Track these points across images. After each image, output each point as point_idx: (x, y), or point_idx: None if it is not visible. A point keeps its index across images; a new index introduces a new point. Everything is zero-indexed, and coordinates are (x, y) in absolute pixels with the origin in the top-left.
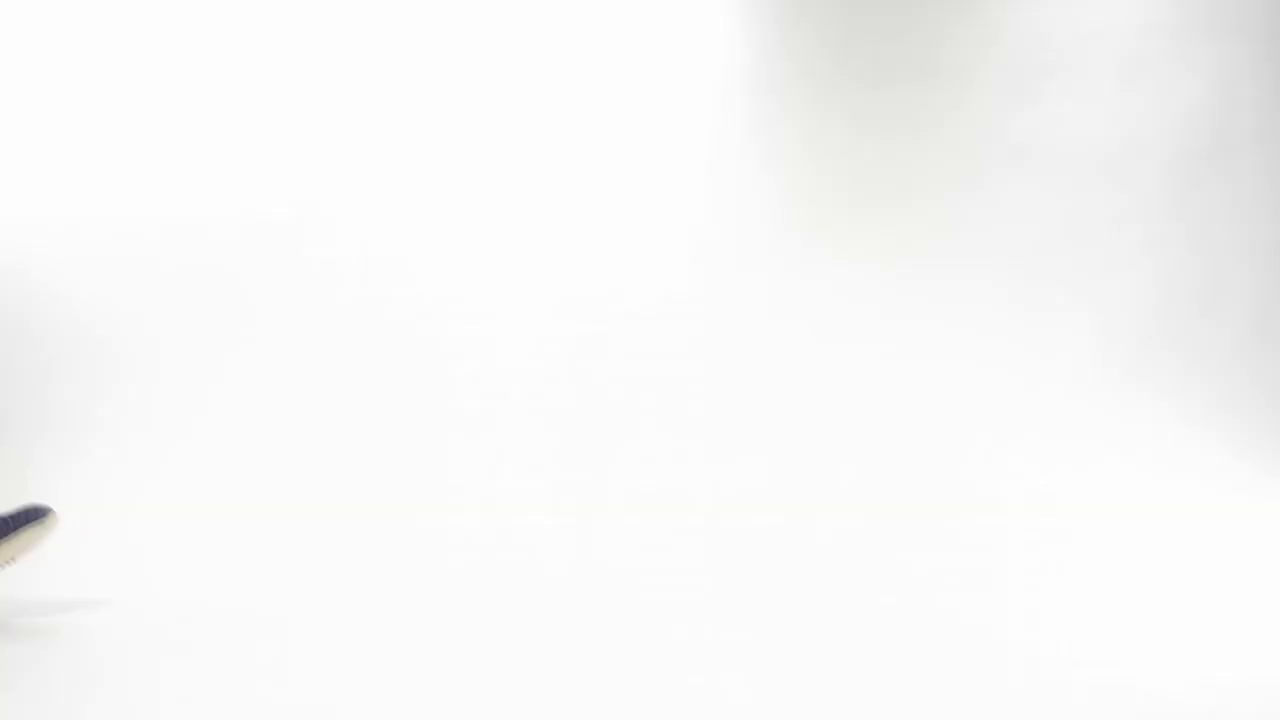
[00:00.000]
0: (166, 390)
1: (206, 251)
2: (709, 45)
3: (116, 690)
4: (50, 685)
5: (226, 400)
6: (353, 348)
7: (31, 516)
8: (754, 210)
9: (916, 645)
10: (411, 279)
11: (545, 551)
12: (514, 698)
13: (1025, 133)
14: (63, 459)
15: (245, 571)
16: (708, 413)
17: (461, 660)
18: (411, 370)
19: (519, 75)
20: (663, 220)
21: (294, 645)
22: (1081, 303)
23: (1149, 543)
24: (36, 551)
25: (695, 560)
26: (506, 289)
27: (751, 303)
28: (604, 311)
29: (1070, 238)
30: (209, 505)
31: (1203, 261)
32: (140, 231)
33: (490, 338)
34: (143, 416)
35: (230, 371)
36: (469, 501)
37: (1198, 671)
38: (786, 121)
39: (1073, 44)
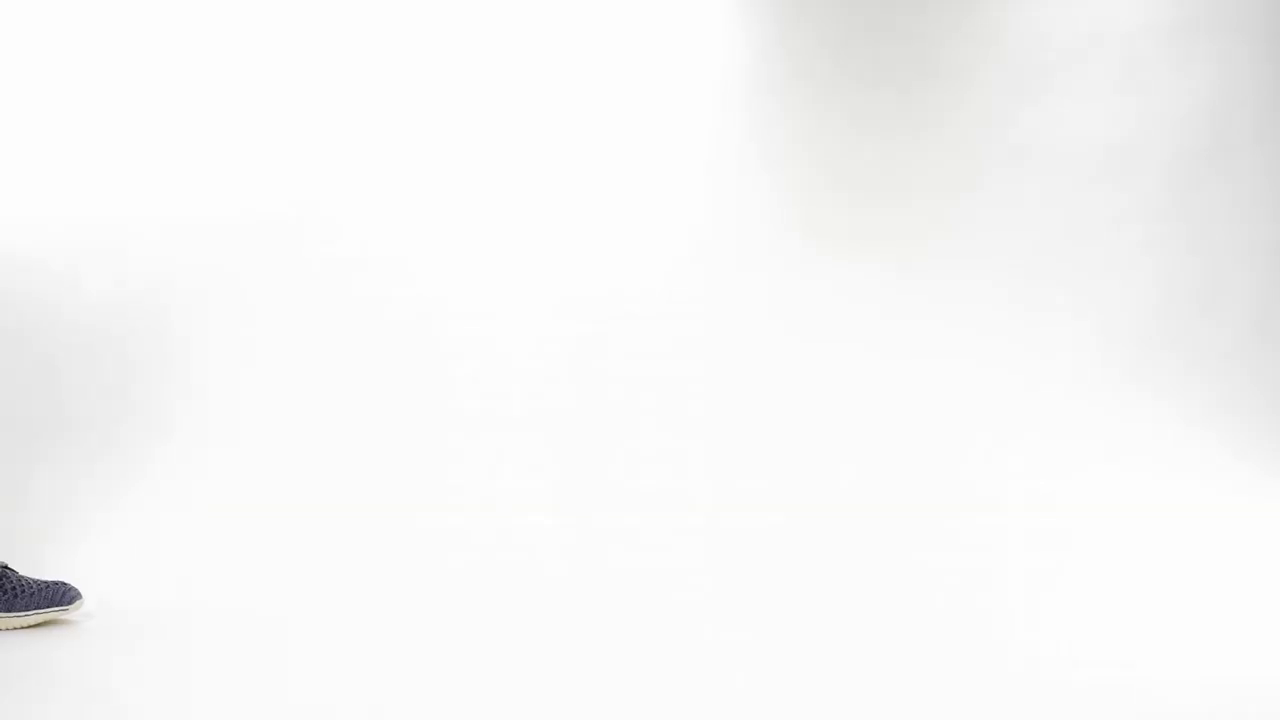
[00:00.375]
0: (167, 390)
1: (207, 251)
2: (708, 45)
3: (118, 691)
4: (51, 687)
5: (226, 400)
6: (352, 348)
7: (59, 598)
8: (753, 210)
9: (916, 645)
10: (411, 279)
11: (545, 551)
12: (514, 698)
13: (1025, 133)
14: (63, 460)
15: (245, 571)
16: (708, 413)
17: (461, 660)
18: (411, 370)
19: (516, 75)
20: (662, 221)
21: (294, 645)
22: (1081, 303)
23: (1149, 543)
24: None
25: (695, 560)
26: (506, 289)
27: (751, 303)
28: (604, 311)
29: (1070, 238)
30: (208, 505)
31: (1203, 261)
32: (141, 232)
33: (490, 338)
34: (142, 416)
35: (230, 371)
36: (469, 501)
37: (1198, 671)
38: (786, 121)
39: (1073, 44)
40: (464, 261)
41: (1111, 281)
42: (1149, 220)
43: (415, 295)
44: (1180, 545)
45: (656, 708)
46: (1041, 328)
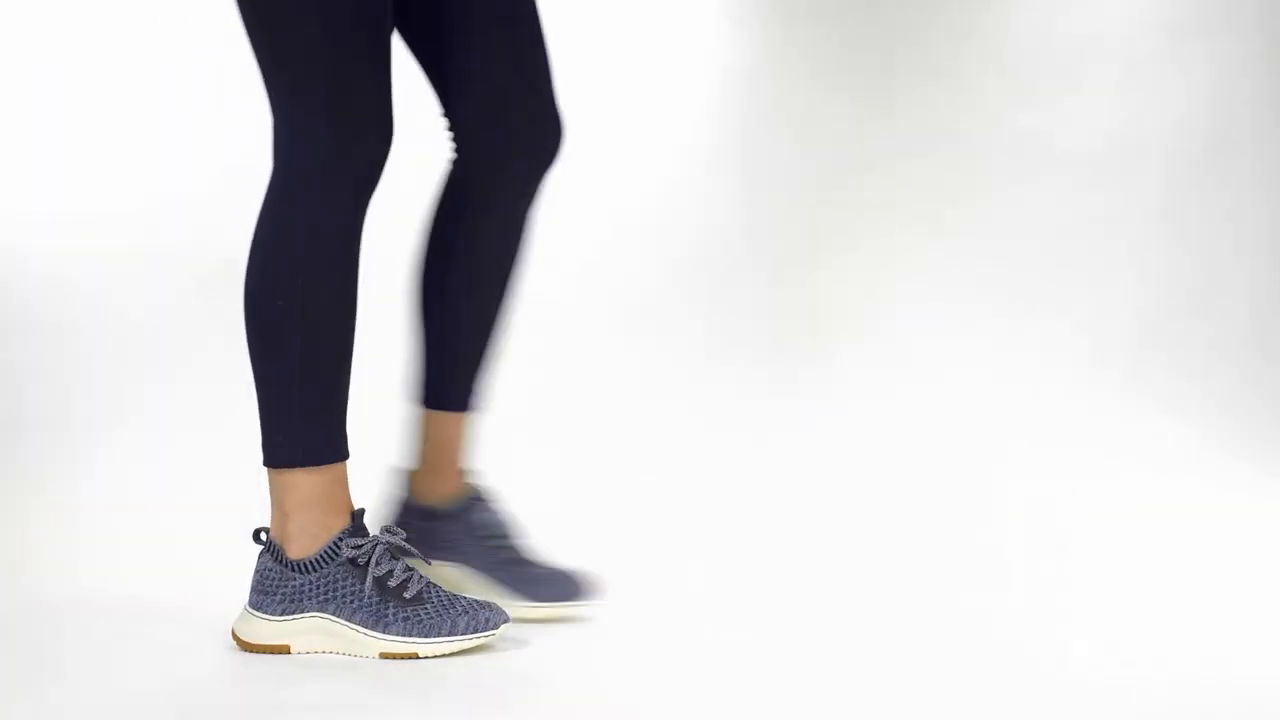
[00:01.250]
0: (166, 389)
1: (205, 247)
2: (701, 47)
3: (115, 691)
4: (49, 687)
5: (225, 398)
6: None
7: (572, 591)
8: (748, 212)
9: (916, 648)
10: (401, 278)
11: (543, 549)
12: (512, 698)
13: (1024, 133)
14: (57, 459)
15: (243, 572)
16: (708, 416)
17: (459, 659)
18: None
19: None
20: (656, 224)
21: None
22: (1080, 303)
23: (1147, 543)
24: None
25: (695, 560)
26: None
27: (746, 307)
28: (600, 313)
29: (1068, 239)
30: (207, 505)
31: (1201, 261)
32: (139, 227)
33: None
34: (140, 416)
35: (229, 368)
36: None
37: (1197, 671)
38: (779, 123)
39: (1073, 44)
40: None
41: (1109, 282)
42: (1147, 220)
43: (403, 293)
44: (1178, 546)
45: (656, 708)
46: (1039, 329)
